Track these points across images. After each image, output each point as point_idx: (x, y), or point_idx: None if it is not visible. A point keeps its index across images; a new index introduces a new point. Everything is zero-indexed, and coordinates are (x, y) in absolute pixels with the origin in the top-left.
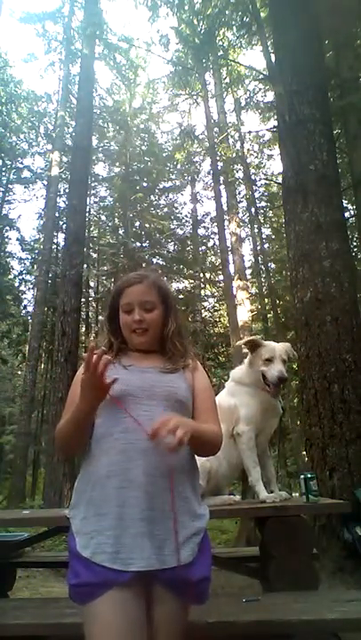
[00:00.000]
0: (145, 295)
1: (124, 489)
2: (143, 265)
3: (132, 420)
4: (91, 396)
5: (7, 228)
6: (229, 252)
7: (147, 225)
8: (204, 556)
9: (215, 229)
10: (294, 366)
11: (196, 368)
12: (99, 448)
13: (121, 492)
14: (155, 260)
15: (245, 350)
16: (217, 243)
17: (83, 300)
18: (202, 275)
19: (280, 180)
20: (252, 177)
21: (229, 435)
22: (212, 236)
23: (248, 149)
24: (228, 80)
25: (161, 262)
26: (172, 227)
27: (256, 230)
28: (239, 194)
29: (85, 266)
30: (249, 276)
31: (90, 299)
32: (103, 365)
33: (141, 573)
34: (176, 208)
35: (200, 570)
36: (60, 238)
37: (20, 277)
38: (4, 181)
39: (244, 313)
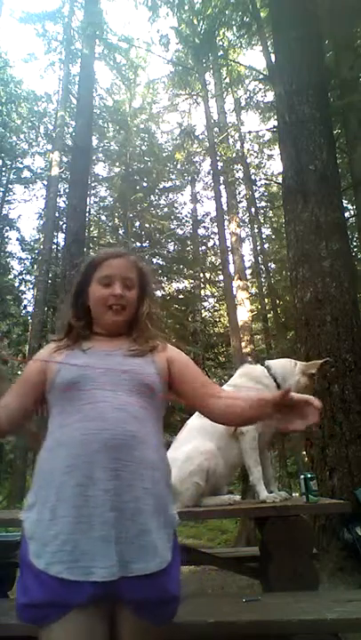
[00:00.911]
0: (127, 271)
1: (83, 487)
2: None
3: (91, 407)
4: None
5: (7, 228)
6: (229, 252)
7: (147, 225)
8: (173, 566)
9: (215, 229)
10: None
11: (165, 348)
12: (55, 440)
13: (80, 491)
14: (155, 260)
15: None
16: (217, 243)
17: None
18: (202, 275)
19: (280, 180)
20: (252, 177)
21: (230, 433)
22: (212, 235)
23: (248, 149)
24: (228, 80)
25: (161, 262)
26: (172, 227)
27: (256, 230)
28: (239, 194)
29: None
30: (249, 276)
31: None
32: None
33: (105, 586)
34: (176, 208)
35: (172, 585)
36: (60, 238)
37: (20, 277)
38: (4, 181)
39: (244, 313)
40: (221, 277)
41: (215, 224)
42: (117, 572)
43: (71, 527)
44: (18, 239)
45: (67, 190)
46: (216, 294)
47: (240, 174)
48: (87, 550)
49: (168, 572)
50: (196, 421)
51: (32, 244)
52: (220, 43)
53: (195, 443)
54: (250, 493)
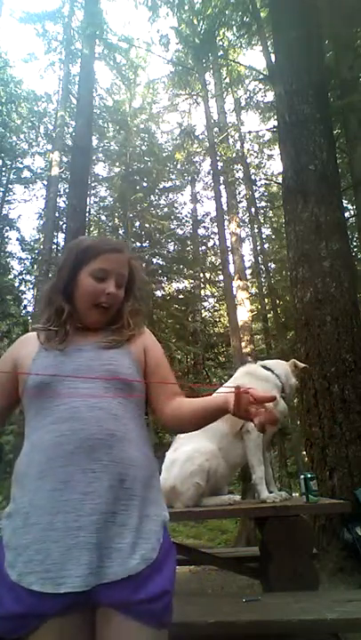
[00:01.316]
0: (122, 268)
1: (58, 491)
2: (143, 265)
3: (65, 407)
4: None
5: (7, 228)
6: (229, 252)
7: (147, 225)
8: (162, 566)
9: (215, 229)
10: None
11: (142, 333)
12: (30, 444)
13: (53, 496)
14: (155, 260)
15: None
16: (217, 243)
17: None
18: (202, 275)
19: (280, 180)
20: (252, 177)
21: (235, 432)
22: (212, 235)
23: (248, 149)
24: (228, 80)
25: (161, 262)
26: (172, 227)
27: (256, 230)
28: (239, 194)
29: None
30: (249, 276)
31: None
32: None
33: (80, 595)
34: (176, 208)
35: (158, 582)
36: (60, 238)
37: (20, 277)
38: (4, 181)
39: (244, 313)
40: (221, 277)
41: (215, 224)
42: (92, 580)
43: (43, 535)
44: (18, 239)
45: (67, 190)
46: (216, 294)
47: (240, 174)
48: (59, 559)
49: (153, 571)
50: None
51: (32, 243)
52: (220, 43)
53: (196, 443)
54: (250, 493)
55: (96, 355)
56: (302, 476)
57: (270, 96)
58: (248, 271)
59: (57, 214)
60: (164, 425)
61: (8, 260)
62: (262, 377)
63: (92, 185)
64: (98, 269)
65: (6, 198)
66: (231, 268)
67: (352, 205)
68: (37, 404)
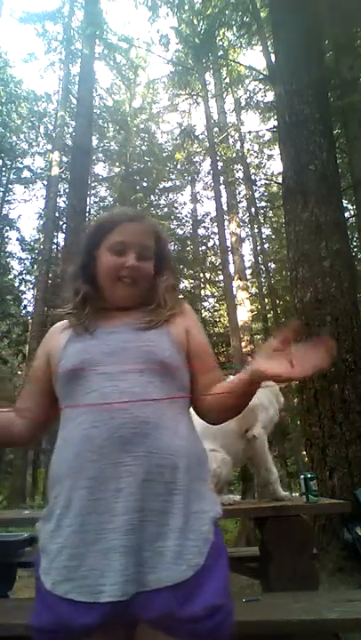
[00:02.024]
0: (144, 238)
1: (89, 489)
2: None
3: (96, 395)
4: None
5: (7, 228)
6: (229, 252)
7: None
8: (211, 573)
9: (215, 229)
10: None
11: (183, 312)
12: (61, 439)
13: (86, 495)
14: None
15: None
16: (217, 243)
17: None
18: (202, 275)
19: (280, 180)
20: (252, 177)
21: (241, 433)
22: (212, 235)
23: (248, 149)
24: (228, 80)
25: None
26: (172, 227)
27: (256, 230)
28: (239, 194)
29: None
30: (249, 276)
31: None
32: None
33: (118, 606)
34: (176, 208)
35: (207, 595)
36: (60, 238)
37: (20, 277)
38: (4, 181)
39: (244, 313)
40: (221, 277)
41: (215, 224)
42: (130, 588)
43: (76, 538)
44: (18, 239)
45: (67, 190)
46: (216, 294)
47: (240, 174)
48: (95, 565)
49: (201, 579)
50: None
51: (32, 243)
52: (220, 43)
53: (206, 446)
54: (250, 493)
55: (131, 336)
56: (302, 476)
57: (270, 96)
58: (248, 271)
59: (57, 214)
60: (204, 415)
61: (8, 259)
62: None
63: (92, 185)
64: (115, 242)
65: (6, 198)
66: (231, 268)
67: (352, 205)
68: (68, 394)
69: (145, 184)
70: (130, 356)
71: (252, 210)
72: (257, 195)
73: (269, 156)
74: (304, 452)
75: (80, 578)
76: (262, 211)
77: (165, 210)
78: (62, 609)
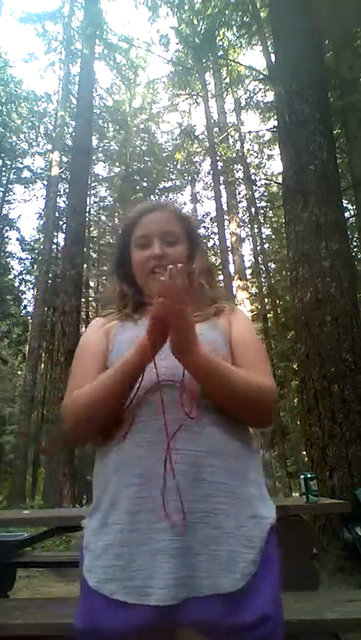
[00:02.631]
0: (166, 224)
1: (136, 487)
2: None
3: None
4: (159, 339)
5: (7, 228)
6: (229, 252)
7: None
8: (264, 582)
9: (215, 229)
10: (294, 366)
11: (234, 311)
12: (108, 433)
13: (134, 492)
14: None
15: None
16: (217, 243)
17: (83, 299)
18: None
19: (280, 180)
20: (252, 177)
21: None
22: (212, 235)
23: (248, 149)
24: (228, 80)
25: None
26: None
27: (256, 230)
28: (239, 194)
29: (85, 266)
30: (249, 276)
31: (90, 299)
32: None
33: (165, 610)
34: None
35: (256, 603)
36: (60, 238)
37: (20, 277)
38: (4, 181)
39: None
40: (221, 277)
41: (215, 224)
42: (182, 592)
43: (124, 537)
44: (18, 239)
45: (67, 190)
46: None
47: (240, 174)
48: (144, 565)
49: (253, 587)
50: None
51: (32, 243)
52: (220, 43)
53: None
54: None
55: None
56: (302, 476)
57: (270, 96)
58: (248, 271)
59: (57, 214)
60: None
61: (8, 259)
62: None
63: (92, 185)
64: (139, 237)
65: (6, 198)
66: (231, 268)
67: (352, 205)
68: None
69: (145, 184)
70: None
71: (252, 210)
72: (257, 195)
73: (269, 156)
74: (304, 452)
75: (126, 578)
76: (262, 211)
77: None
78: (105, 609)
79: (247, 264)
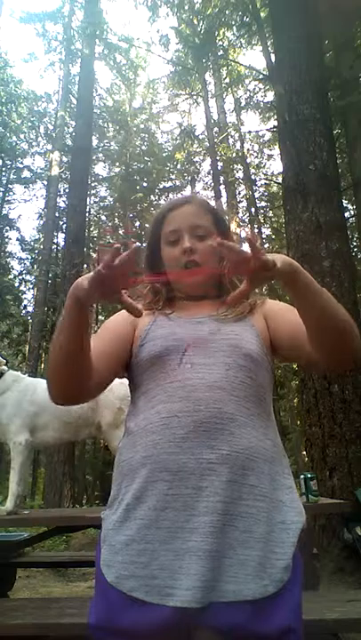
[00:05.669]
0: (196, 218)
1: (166, 483)
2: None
3: (179, 384)
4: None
5: (7, 228)
6: None
7: (147, 225)
8: (290, 591)
9: None
10: (294, 366)
11: (264, 303)
12: (136, 425)
13: (160, 489)
14: None
15: None
16: None
17: None
18: None
19: (280, 179)
20: (252, 177)
21: None
22: None
23: (248, 149)
24: (228, 80)
25: None
26: None
27: (256, 230)
28: (239, 194)
29: (85, 266)
30: None
31: None
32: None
33: (186, 612)
34: None
35: (281, 614)
36: (60, 238)
37: (20, 277)
38: (4, 181)
39: None
40: None
41: None
42: (207, 596)
43: (147, 533)
44: (18, 239)
45: (67, 190)
46: None
47: (240, 174)
48: (167, 565)
49: (280, 596)
50: None
51: (32, 243)
52: (220, 43)
53: None
54: None
55: (216, 326)
56: (302, 476)
57: (270, 96)
58: None
59: (57, 214)
60: (317, 358)
61: (8, 259)
62: None
63: (92, 185)
64: (168, 233)
65: (6, 198)
66: None
67: (352, 205)
68: (148, 380)
69: (145, 184)
70: (215, 347)
71: (252, 210)
72: (257, 195)
73: (269, 156)
74: (304, 452)
75: (148, 576)
76: (262, 211)
77: None
78: (123, 607)
79: None
